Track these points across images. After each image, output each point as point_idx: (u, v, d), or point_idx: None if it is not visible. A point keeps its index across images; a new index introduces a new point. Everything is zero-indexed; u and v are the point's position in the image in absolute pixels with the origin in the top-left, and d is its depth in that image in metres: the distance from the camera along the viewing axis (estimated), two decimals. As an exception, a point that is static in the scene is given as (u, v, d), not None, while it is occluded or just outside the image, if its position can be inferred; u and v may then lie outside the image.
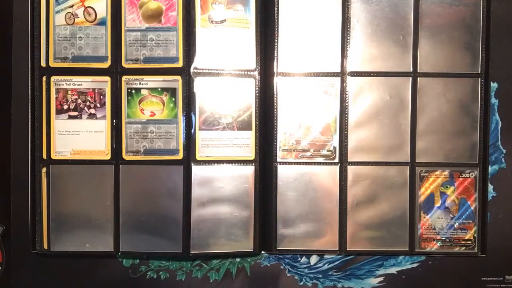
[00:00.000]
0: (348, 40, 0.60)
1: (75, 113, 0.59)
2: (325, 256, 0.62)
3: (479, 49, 0.60)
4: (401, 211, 0.60)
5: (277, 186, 0.60)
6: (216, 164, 0.59)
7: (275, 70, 0.60)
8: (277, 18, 0.60)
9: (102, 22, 0.59)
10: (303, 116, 0.60)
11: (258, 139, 0.60)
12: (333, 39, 0.60)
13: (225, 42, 0.59)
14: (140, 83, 0.59)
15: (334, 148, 0.60)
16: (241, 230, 0.60)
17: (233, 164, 0.60)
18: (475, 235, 0.61)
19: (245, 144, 0.60)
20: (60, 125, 0.59)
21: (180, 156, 0.59)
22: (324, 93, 0.60)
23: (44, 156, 0.59)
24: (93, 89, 0.59)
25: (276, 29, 0.60)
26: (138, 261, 0.62)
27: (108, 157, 0.59)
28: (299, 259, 0.62)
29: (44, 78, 0.59)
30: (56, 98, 0.59)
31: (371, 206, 0.60)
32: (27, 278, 0.62)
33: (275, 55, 0.60)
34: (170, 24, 0.59)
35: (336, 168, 0.60)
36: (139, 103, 0.59)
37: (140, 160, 0.59)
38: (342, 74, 0.60)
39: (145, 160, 0.59)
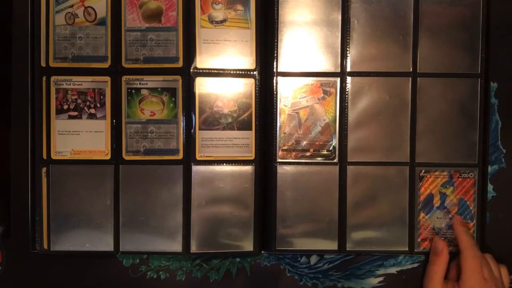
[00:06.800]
0: (348, 40, 0.60)
1: (75, 113, 0.59)
2: (325, 256, 0.62)
3: (479, 49, 0.60)
4: (401, 211, 0.60)
5: (277, 186, 0.60)
6: (216, 164, 0.59)
7: (275, 70, 0.60)
8: (277, 18, 0.60)
9: (102, 22, 0.59)
10: (303, 116, 0.60)
11: (258, 139, 0.60)
12: (333, 39, 0.60)
13: (225, 42, 0.59)
14: (140, 83, 0.59)
15: (334, 148, 0.60)
16: (241, 230, 0.60)
17: (233, 164, 0.60)
18: (475, 235, 0.61)
19: (245, 144, 0.60)
20: (60, 125, 0.59)
21: (180, 156, 0.59)
22: (324, 93, 0.60)
23: (44, 156, 0.59)
24: (93, 89, 0.59)
25: (276, 29, 0.60)
26: (138, 261, 0.62)
27: (108, 157, 0.59)
28: (299, 259, 0.62)
29: (44, 78, 0.59)
30: (56, 98, 0.59)
31: (371, 206, 0.60)
32: (27, 278, 0.62)
33: (275, 55, 0.60)
34: (170, 24, 0.59)
35: (336, 168, 0.60)
36: (139, 103, 0.59)
37: (140, 160, 0.59)
38: (342, 74, 0.60)
39: (145, 160, 0.59)
